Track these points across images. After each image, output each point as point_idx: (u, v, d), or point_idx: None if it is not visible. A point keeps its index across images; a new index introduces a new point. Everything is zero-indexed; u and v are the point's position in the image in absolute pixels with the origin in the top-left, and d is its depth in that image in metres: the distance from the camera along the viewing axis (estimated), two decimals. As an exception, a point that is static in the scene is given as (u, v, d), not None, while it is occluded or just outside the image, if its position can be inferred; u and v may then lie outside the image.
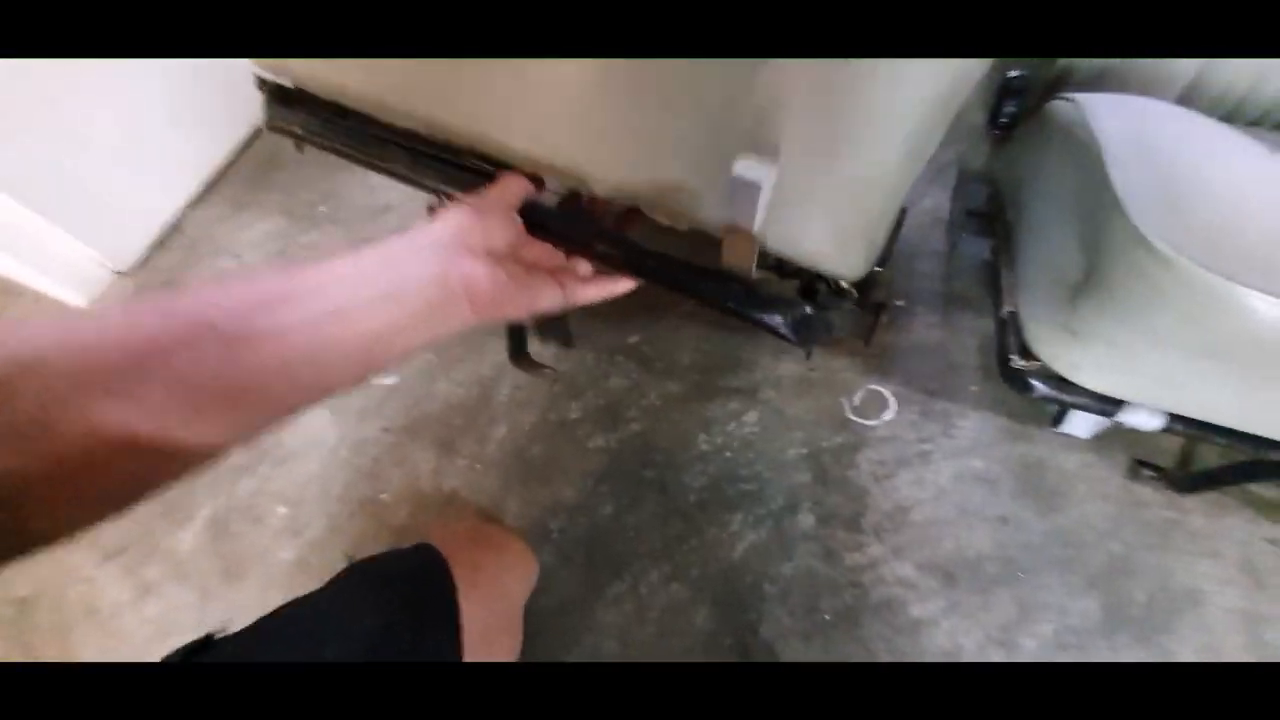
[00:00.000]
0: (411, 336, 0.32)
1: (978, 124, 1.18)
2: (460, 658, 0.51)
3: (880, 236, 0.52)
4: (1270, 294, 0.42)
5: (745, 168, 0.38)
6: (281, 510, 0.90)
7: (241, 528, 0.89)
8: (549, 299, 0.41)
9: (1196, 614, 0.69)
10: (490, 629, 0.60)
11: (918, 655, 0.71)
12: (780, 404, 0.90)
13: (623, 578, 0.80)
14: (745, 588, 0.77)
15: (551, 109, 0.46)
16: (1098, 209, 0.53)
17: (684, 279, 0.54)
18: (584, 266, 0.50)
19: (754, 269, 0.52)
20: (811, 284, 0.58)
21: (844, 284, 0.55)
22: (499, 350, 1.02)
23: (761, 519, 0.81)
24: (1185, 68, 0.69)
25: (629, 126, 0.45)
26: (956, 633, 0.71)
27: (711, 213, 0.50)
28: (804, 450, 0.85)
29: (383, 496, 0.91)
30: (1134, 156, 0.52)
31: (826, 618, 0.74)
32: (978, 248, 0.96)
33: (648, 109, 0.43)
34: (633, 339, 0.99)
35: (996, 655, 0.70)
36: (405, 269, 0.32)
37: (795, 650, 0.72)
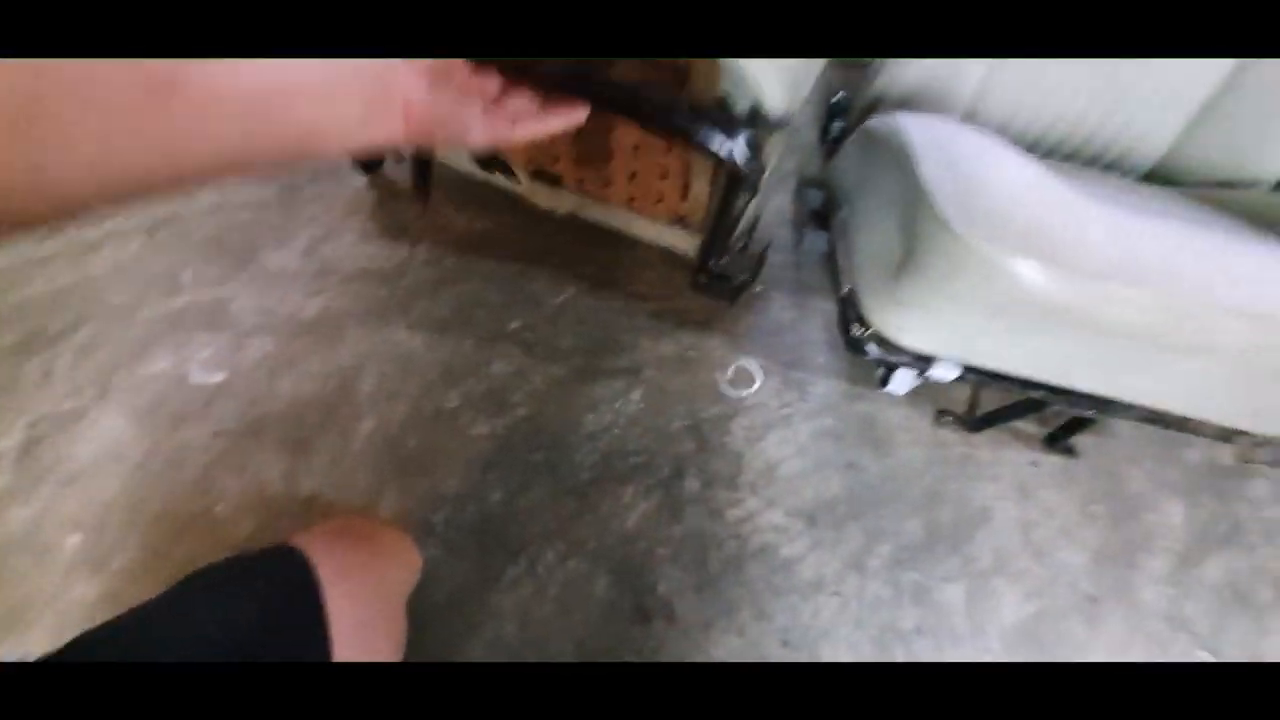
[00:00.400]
0: (343, 136, 0.30)
1: (811, 140, 1.37)
2: (330, 657, 0.45)
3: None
4: (1033, 258, 0.56)
5: None
6: (75, 539, 0.72)
7: (22, 565, 0.69)
8: (484, 130, 0.38)
9: (988, 526, 0.88)
10: (365, 624, 0.54)
11: (790, 588, 0.80)
12: (662, 381, 0.95)
13: (518, 561, 0.78)
14: (640, 554, 0.80)
15: None
16: (912, 201, 0.65)
17: (632, 99, 0.53)
18: (524, 101, 0.45)
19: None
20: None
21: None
22: (360, 338, 0.93)
23: (652, 488, 0.85)
24: (964, 97, 0.89)
25: None
26: (820, 564, 0.82)
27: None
28: (686, 422, 0.91)
29: (217, 509, 0.78)
30: (937, 160, 0.66)
31: (714, 569, 0.80)
32: (819, 241, 1.11)
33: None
34: (513, 325, 0.98)
35: (851, 577, 0.81)
36: (345, 66, 0.29)
37: (690, 603, 0.77)
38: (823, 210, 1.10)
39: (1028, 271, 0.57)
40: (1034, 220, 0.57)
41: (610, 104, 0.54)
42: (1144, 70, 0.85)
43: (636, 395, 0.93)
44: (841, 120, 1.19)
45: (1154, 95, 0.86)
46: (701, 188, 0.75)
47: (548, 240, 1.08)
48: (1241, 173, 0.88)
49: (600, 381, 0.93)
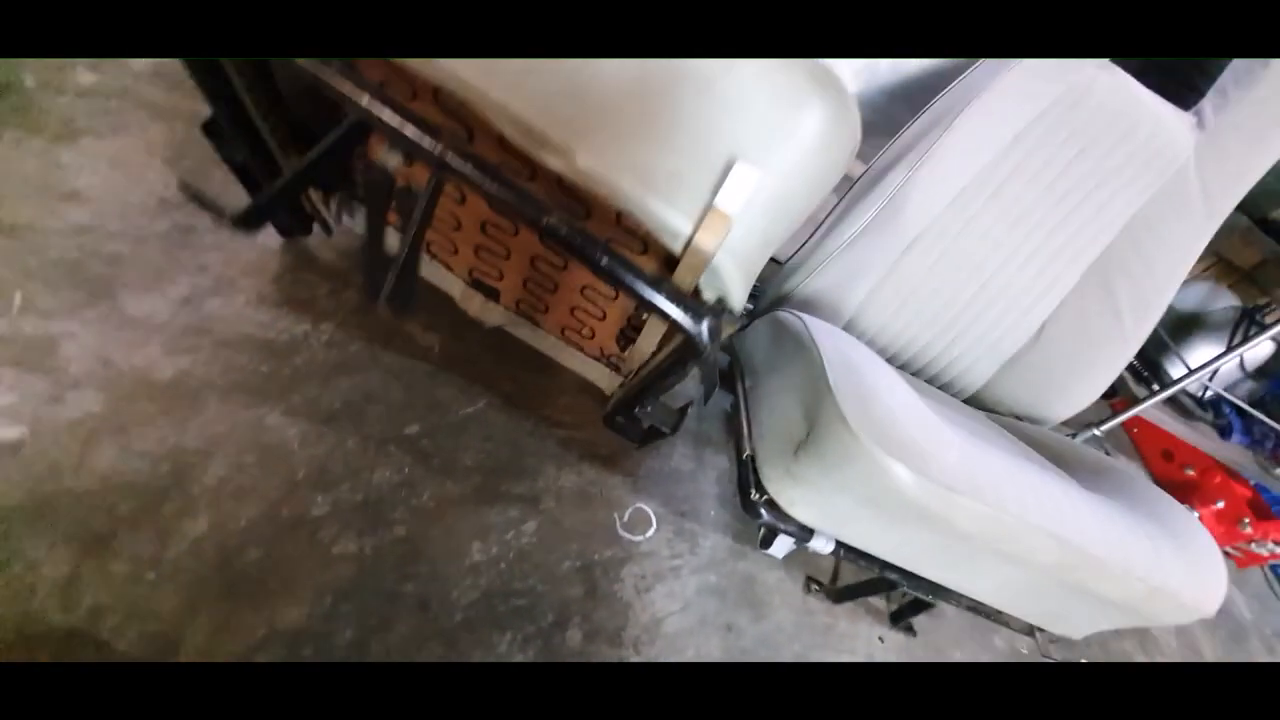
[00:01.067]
0: None
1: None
2: None
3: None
4: (907, 465, 0.67)
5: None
6: None
7: None
8: None
9: (843, 699, 0.92)
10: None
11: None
12: (559, 514, 0.92)
13: (359, 723, 0.65)
14: None
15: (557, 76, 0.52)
16: (816, 395, 0.75)
17: (622, 267, 0.58)
18: None
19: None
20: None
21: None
22: (220, 416, 0.81)
23: (530, 638, 0.78)
24: (850, 308, 1.07)
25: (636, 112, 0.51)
26: (694, 741, 0.79)
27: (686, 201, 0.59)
28: (578, 563, 0.88)
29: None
30: (840, 365, 0.78)
31: (585, 743, 0.73)
32: (723, 399, 1.21)
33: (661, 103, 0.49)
34: (411, 429, 0.91)
35: (721, 759, 0.79)
36: None
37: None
38: (729, 372, 1.21)
39: (902, 473, 0.67)
40: (909, 434, 0.69)
41: (598, 268, 0.59)
42: (974, 322, 1.11)
43: (531, 527, 0.88)
44: (752, 302, 1.37)
45: (978, 343, 1.12)
46: (649, 345, 0.81)
47: (468, 349, 1.05)
48: (1034, 412, 1.15)
49: (496, 507, 0.88)
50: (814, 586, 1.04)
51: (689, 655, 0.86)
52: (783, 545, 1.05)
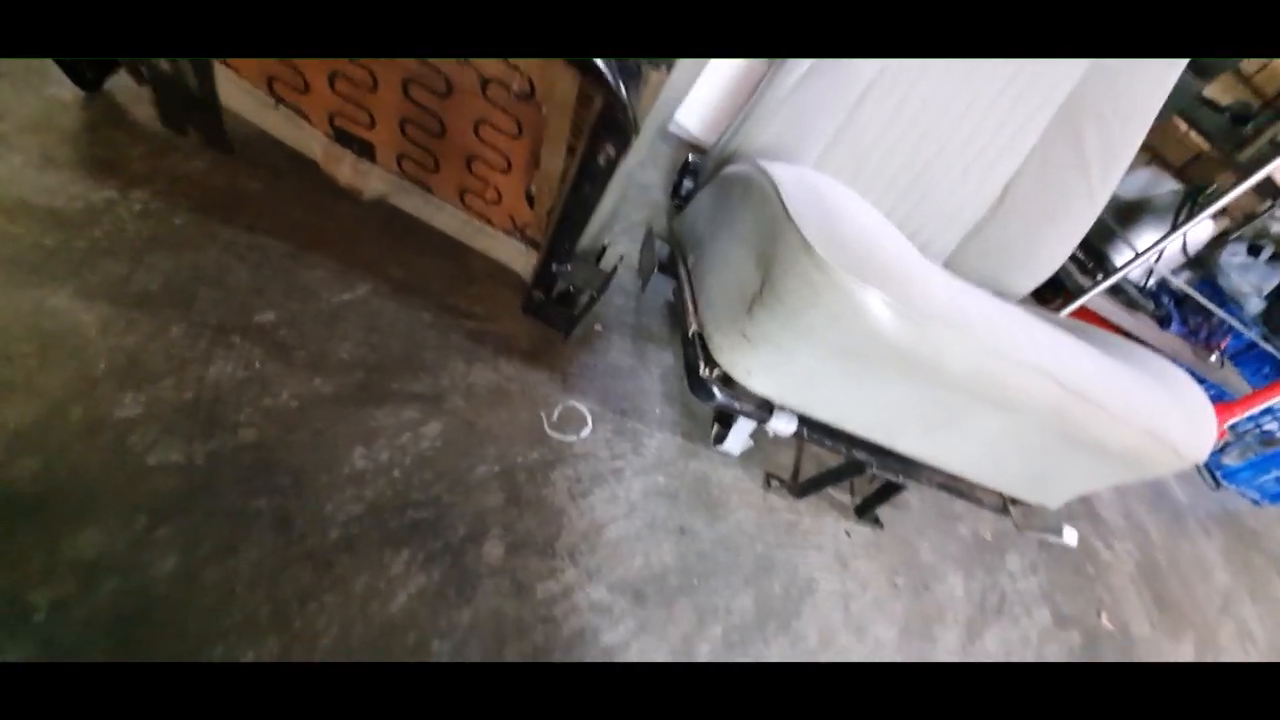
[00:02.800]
0: None
1: (660, 200, 1.38)
2: None
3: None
4: (885, 292, 0.54)
5: None
6: None
7: None
8: None
9: (813, 599, 0.82)
10: None
11: (609, 693, 0.62)
12: (471, 415, 0.75)
13: (184, 675, 0.47)
14: (404, 652, 0.55)
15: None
16: (772, 231, 0.61)
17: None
18: None
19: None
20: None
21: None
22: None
23: (436, 555, 0.62)
24: (809, 156, 0.93)
25: None
26: (645, 651, 0.66)
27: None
28: (496, 468, 0.72)
29: None
30: (801, 193, 0.63)
31: (510, 671, 0.59)
32: (661, 286, 1.06)
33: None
34: (263, 317, 0.70)
35: (679, 673, 0.67)
36: None
37: (469, 724, 0.54)
38: (669, 261, 1.06)
39: (878, 306, 0.54)
40: (887, 259, 0.56)
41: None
42: (936, 185, 0.99)
43: (434, 429, 0.71)
44: (692, 179, 1.21)
45: (941, 208, 1.01)
46: (555, 162, 0.63)
47: (343, 226, 0.84)
48: (999, 284, 1.06)
49: (386, 407, 0.70)
50: (774, 482, 0.92)
51: (637, 563, 0.73)
52: (738, 439, 0.92)
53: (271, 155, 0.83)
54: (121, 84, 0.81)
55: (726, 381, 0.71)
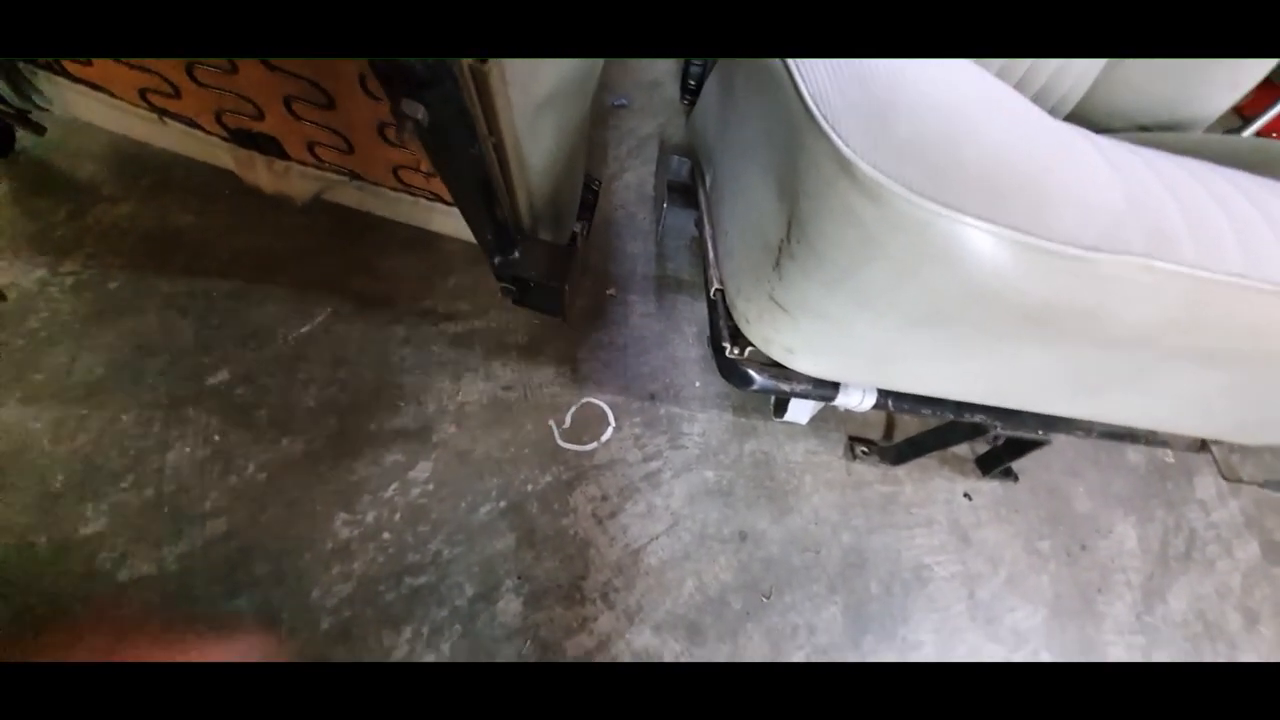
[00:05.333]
0: None
1: (673, 98, 1.10)
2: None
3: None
4: (991, 224, 0.31)
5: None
6: None
7: None
8: None
9: (925, 592, 0.65)
10: None
11: (669, 757, 0.52)
12: (465, 443, 0.63)
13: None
14: (420, 750, 0.49)
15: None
16: (790, 138, 0.38)
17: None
18: None
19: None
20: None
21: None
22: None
23: (442, 626, 0.54)
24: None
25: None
26: (710, 707, 0.55)
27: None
28: (501, 503, 0.61)
29: None
30: (828, 74, 0.39)
31: (548, 749, 0.51)
32: (684, 219, 0.84)
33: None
34: (216, 378, 0.62)
35: (756, 715, 0.55)
36: None
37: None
38: (689, 182, 0.83)
39: (990, 247, 0.31)
40: (996, 155, 0.32)
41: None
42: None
43: (423, 471, 0.61)
44: (699, 63, 0.93)
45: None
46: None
47: (291, 242, 0.72)
48: (1174, 112, 0.71)
49: (364, 457, 0.60)
50: (860, 449, 0.73)
51: (687, 590, 0.60)
52: (804, 405, 0.74)
53: (198, 179, 0.71)
54: (33, 140, 0.73)
55: (762, 359, 0.52)
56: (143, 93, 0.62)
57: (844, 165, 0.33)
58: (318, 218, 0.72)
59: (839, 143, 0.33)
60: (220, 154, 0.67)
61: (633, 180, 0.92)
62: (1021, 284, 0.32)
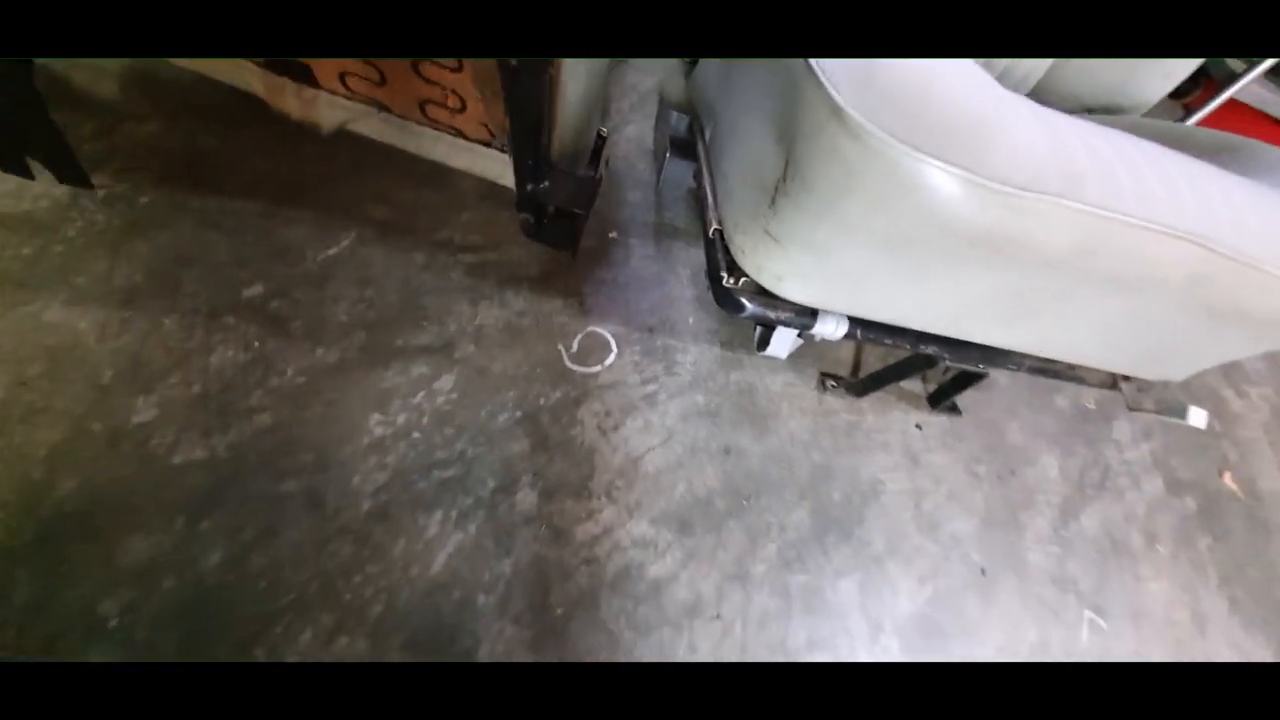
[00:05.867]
0: None
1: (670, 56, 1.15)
2: None
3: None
4: (953, 168, 0.39)
5: None
6: None
7: None
8: None
9: (879, 502, 0.76)
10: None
11: (660, 620, 0.62)
12: (483, 360, 0.70)
13: (251, 654, 0.51)
14: (452, 608, 0.57)
15: None
16: (791, 91, 0.46)
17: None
18: None
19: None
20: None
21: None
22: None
23: (469, 511, 0.61)
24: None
25: None
26: (696, 581, 0.65)
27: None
28: (517, 413, 0.68)
29: None
30: (819, 28, 0.46)
31: (559, 612, 0.59)
32: (682, 171, 0.91)
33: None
34: (251, 291, 0.67)
35: (733, 592, 0.65)
36: None
37: (523, 670, 0.56)
38: (688, 137, 0.90)
39: (945, 181, 0.40)
40: (953, 108, 0.40)
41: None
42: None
43: (447, 382, 0.67)
44: (703, 26, 0.98)
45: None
46: (483, 64, 0.50)
47: (313, 169, 0.76)
48: (1116, 96, 0.81)
49: (393, 367, 0.67)
50: (830, 383, 0.83)
51: (679, 492, 0.69)
52: (783, 341, 0.83)
53: (222, 102, 0.74)
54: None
55: (759, 288, 0.60)
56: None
57: (835, 110, 0.41)
58: (339, 147, 0.76)
59: (832, 92, 0.41)
60: (250, 78, 0.70)
61: (633, 133, 0.98)
62: (967, 213, 0.41)
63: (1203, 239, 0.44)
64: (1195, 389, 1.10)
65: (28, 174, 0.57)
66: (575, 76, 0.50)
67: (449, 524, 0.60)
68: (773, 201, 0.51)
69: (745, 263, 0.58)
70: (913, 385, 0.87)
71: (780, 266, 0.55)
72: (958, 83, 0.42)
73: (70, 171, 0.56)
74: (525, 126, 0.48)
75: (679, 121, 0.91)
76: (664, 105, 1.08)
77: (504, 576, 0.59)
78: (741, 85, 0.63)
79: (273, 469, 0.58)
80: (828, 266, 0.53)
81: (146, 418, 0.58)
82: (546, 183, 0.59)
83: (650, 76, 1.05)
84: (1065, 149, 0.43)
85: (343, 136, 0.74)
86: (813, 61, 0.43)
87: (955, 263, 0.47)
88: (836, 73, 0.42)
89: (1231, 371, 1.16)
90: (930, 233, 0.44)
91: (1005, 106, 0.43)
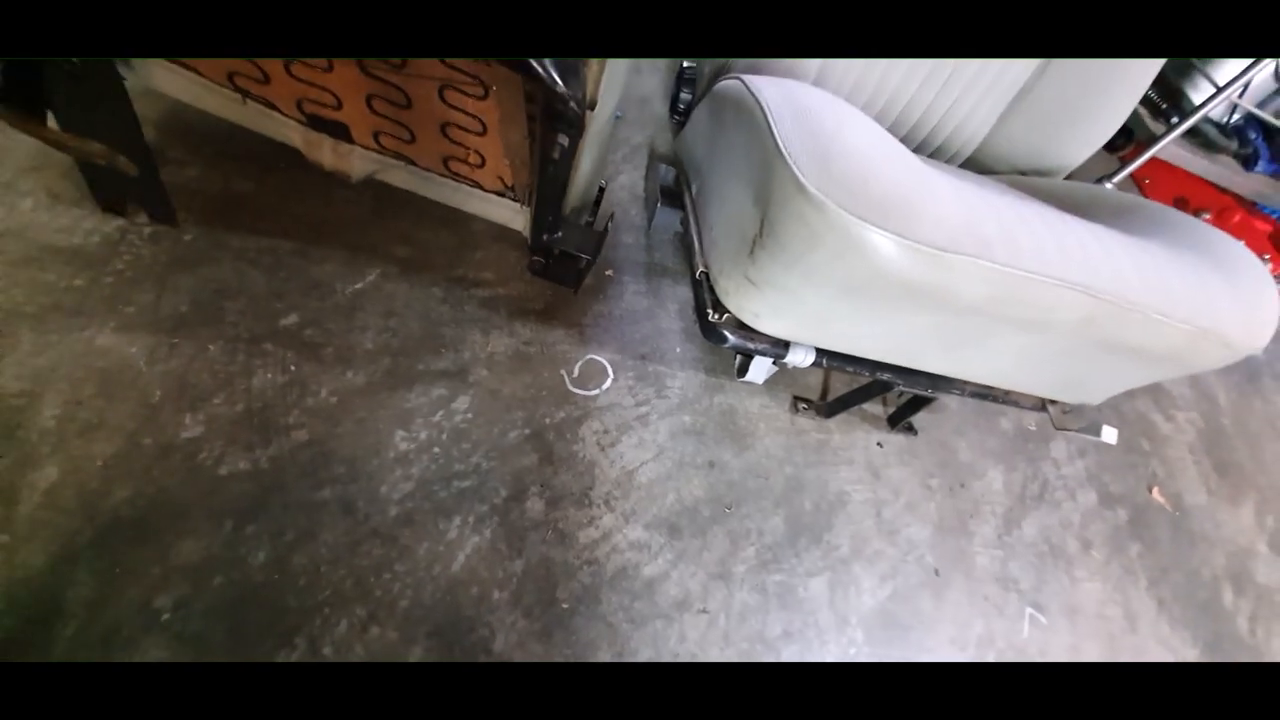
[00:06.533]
0: None
1: (662, 114, 1.28)
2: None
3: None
4: (887, 230, 0.50)
5: None
6: None
7: None
8: None
9: (845, 511, 0.86)
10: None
11: (654, 614, 0.69)
12: (495, 384, 0.78)
13: (293, 644, 0.57)
14: (470, 602, 0.64)
15: None
16: (766, 166, 0.57)
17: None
18: None
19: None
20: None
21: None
22: (37, 347, 0.64)
23: (484, 517, 0.69)
24: (810, 70, 0.83)
25: None
26: (685, 579, 0.73)
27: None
28: (526, 430, 0.76)
29: None
30: (790, 118, 0.58)
31: (565, 606, 0.67)
32: (670, 219, 1.02)
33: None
34: (288, 320, 0.74)
35: (718, 589, 0.74)
36: None
37: (534, 656, 0.63)
38: (675, 187, 1.01)
39: (883, 243, 0.51)
40: (888, 187, 0.51)
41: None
42: (964, 68, 0.87)
43: (463, 403, 0.75)
44: (689, 91, 1.11)
45: (976, 81, 0.89)
46: (516, 138, 0.60)
47: (341, 212, 0.85)
48: (1043, 161, 0.95)
49: (416, 388, 0.74)
50: (801, 405, 0.93)
51: (669, 501, 0.78)
52: (760, 368, 0.93)
53: (256, 149, 0.82)
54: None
55: (737, 322, 0.70)
56: (230, 76, 0.74)
57: (800, 187, 0.51)
58: (364, 193, 0.85)
59: (798, 172, 0.52)
60: (289, 133, 0.79)
61: (626, 182, 1.09)
62: (901, 268, 0.52)
63: (1086, 288, 0.56)
64: (1126, 411, 1.23)
65: (123, 212, 0.64)
66: (591, 143, 0.60)
67: (467, 528, 0.68)
68: (751, 252, 0.62)
69: (729, 302, 0.68)
70: (874, 408, 0.98)
71: (758, 306, 0.65)
72: (893, 164, 0.54)
73: (161, 209, 0.64)
74: (552, 189, 0.58)
75: (666, 173, 1.03)
76: (653, 158, 1.20)
77: (516, 575, 0.67)
78: (725, 150, 0.74)
79: (310, 479, 0.65)
80: (798, 307, 0.63)
81: (194, 433, 0.64)
82: (560, 233, 0.68)
83: (640, 131, 1.17)
84: (976, 217, 0.54)
85: (369, 184, 0.83)
86: (782, 145, 0.54)
87: (897, 306, 0.58)
88: (800, 155, 0.53)
89: (1160, 398, 1.30)
90: (876, 282, 0.55)
91: (930, 183, 0.54)
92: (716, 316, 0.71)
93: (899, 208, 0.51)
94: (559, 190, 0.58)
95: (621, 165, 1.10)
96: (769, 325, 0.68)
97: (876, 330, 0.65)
